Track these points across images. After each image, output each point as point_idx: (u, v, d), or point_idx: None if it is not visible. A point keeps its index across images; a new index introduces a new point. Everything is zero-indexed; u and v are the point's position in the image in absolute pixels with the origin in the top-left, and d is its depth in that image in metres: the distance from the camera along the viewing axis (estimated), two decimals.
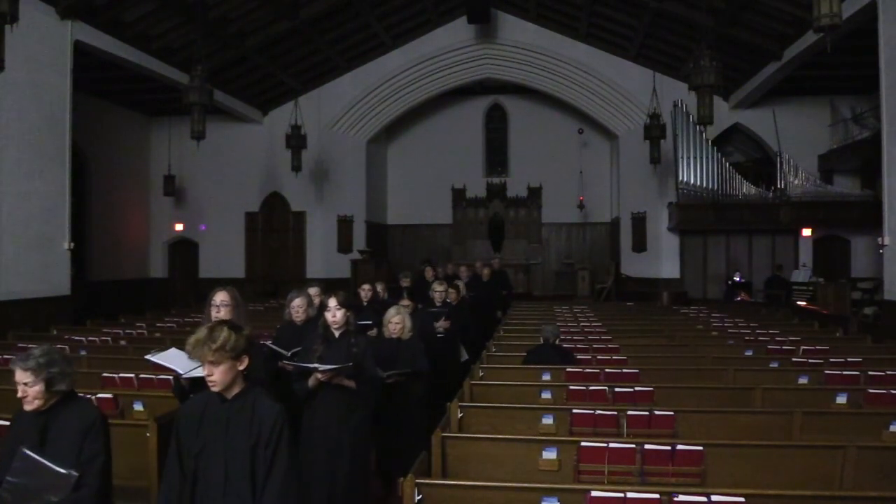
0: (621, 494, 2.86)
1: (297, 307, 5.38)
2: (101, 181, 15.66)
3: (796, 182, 15.31)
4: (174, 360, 3.50)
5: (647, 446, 3.53)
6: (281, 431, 2.62)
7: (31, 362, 2.82)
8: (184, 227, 17.73)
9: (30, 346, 7.08)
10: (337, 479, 3.99)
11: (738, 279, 15.91)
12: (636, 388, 5.05)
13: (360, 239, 17.46)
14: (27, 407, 2.86)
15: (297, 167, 15.46)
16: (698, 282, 16.67)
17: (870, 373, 5.57)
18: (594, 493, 2.89)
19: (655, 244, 16.70)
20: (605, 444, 3.57)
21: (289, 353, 4.84)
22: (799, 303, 13.14)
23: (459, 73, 17.17)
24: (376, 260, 16.53)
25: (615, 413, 4.26)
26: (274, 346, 5.03)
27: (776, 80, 13.64)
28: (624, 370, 5.78)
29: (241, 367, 2.67)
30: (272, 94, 16.82)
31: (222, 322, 2.78)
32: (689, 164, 15.43)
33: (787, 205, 15.14)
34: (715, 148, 15.57)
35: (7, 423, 3.12)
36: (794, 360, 6.34)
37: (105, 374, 5.52)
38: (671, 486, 3.22)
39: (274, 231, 17.52)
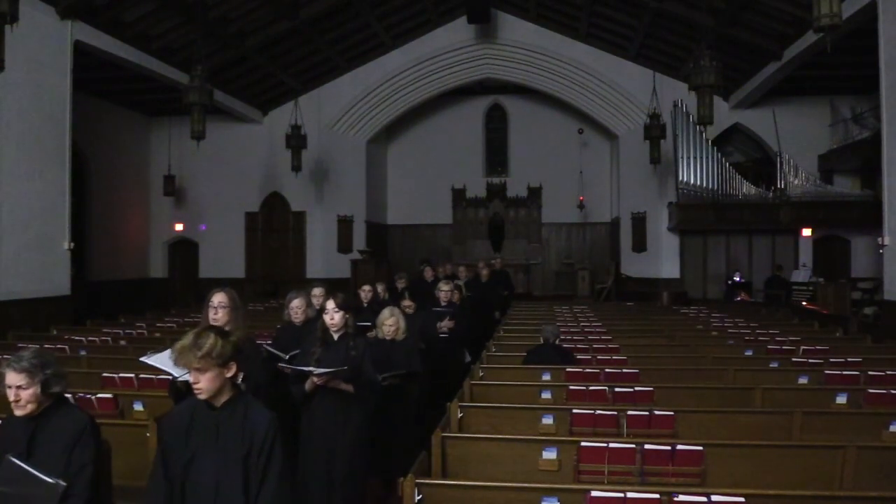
0: (621, 494, 2.86)
1: (296, 308, 5.36)
2: (101, 181, 15.66)
3: (796, 182, 15.31)
4: (169, 362, 3.48)
5: (647, 446, 3.53)
6: (274, 439, 2.56)
7: (25, 363, 2.70)
8: (184, 227, 17.73)
9: (30, 346, 7.10)
10: (335, 481, 3.97)
11: (738, 279, 15.91)
12: (636, 388, 5.05)
13: (360, 239, 17.46)
14: (19, 412, 2.73)
15: (297, 167, 15.46)
16: (698, 282, 16.67)
17: (870, 373, 5.57)
18: (594, 493, 2.88)
19: (655, 244, 16.70)
20: (605, 444, 3.57)
21: (287, 356, 4.82)
22: (803, 303, 13.13)
23: (459, 73, 17.18)
24: (376, 260, 16.53)
25: (615, 413, 4.25)
26: (271, 349, 5.01)
27: (776, 80, 13.64)
28: (624, 370, 5.78)
29: (229, 375, 2.58)
30: (272, 94, 16.82)
31: (209, 328, 2.69)
32: (689, 164, 15.44)
33: (787, 205, 15.14)
34: (715, 148, 15.58)
35: None
36: (794, 360, 6.33)
37: (105, 374, 5.51)
38: (671, 486, 3.22)
39: (274, 231, 17.52)
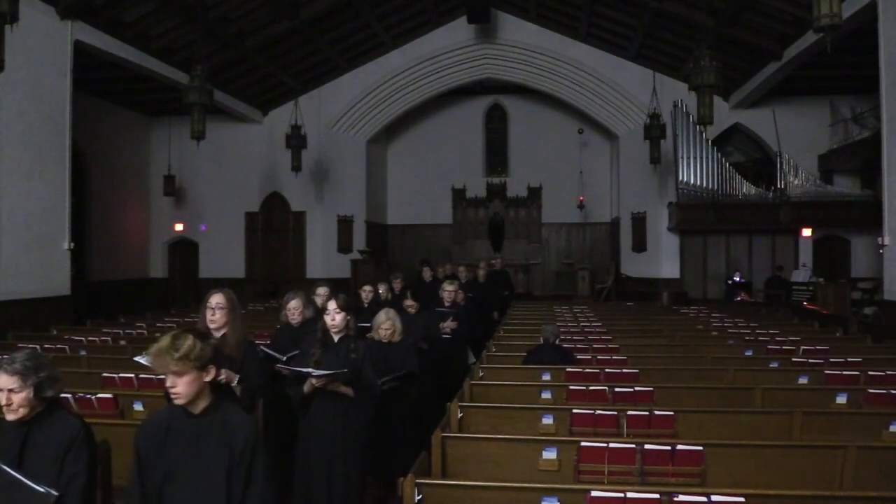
0: (621, 494, 2.86)
1: (293, 309, 5.31)
2: (101, 181, 15.66)
3: (796, 182, 15.31)
4: None
5: (647, 446, 3.53)
6: (256, 446, 2.45)
7: (18, 366, 2.59)
8: (184, 227, 17.73)
9: (30, 346, 7.09)
10: (334, 485, 3.94)
11: (738, 279, 15.91)
12: (636, 388, 5.04)
13: (360, 239, 17.47)
14: (10, 416, 2.61)
15: (297, 167, 15.47)
16: (698, 282, 16.67)
17: (870, 373, 5.56)
18: (594, 493, 2.88)
19: (655, 244, 16.70)
20: (605, 444, 3.57)
21: (284, 357, 4.78)
22: (803, 303, 13.13)
23: (459, 73, 17.18)
24: (376, 260, 16.54)
25: (615, 413, 4.25)
26: (268, 350, 4.98)
27: (776, 80, 13.64)
28: (624, 370, 5.77)
29: (208, 379, 2.46)
30: (272, 94, 16.82)
31: (188, 329, 2.56)
32: (689, 164, 15.44)
33: (787, 205, 15.14)
34: (715, 148, 15.58)
35: None
36: (794, 360, 6.33)
37: (105, 374, 5.51)
38: (671, 486, 3.21)
39: (274, 231, 17.52)
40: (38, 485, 2.47)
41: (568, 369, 5.67)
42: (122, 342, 7.84)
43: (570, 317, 10.45)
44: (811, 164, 15.84)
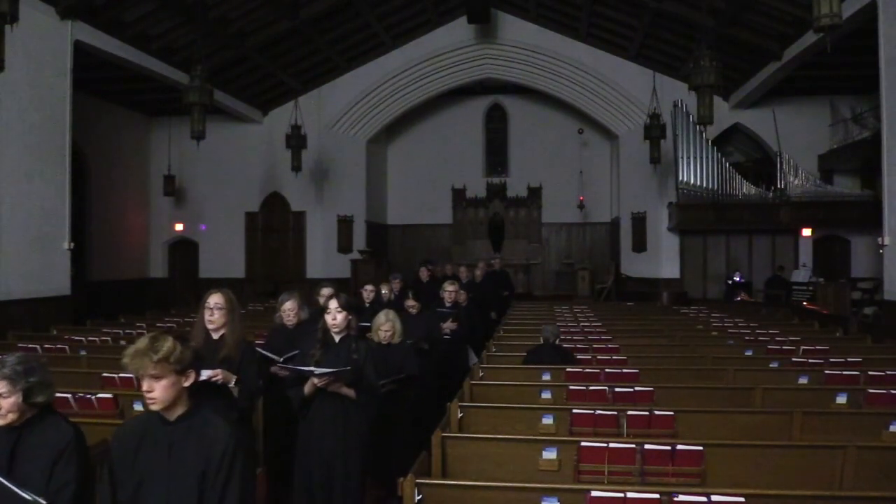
0: (621, 494, 2.86)
1: (288, 310, 5.25)
2: (101, 181, 15.66)
3: (796, 182, 15.30)
4: None
5: (647, 446, 3.53)
6: (234, 456, 2.33)
7: (7, 370, 2.51)
8: (184, 227, 17.73)
9: (30, 346, 7.10)
10: (334, 488, 3.91)
11: (738, 279, 15.90)
12: (636, 388, 5.05)
13: (360, 239, 17.46)
14: None
15: (297, 167, 15.47)
16: (698, 282, 16.66)
17: (870, 373, 5.57)
18: (594, 493, 2.88)
19: (655, 244, 16.70)
20: (605, 444, 3.57)
21: (281, 358, 4.75)
22: (803, 303, 13.13)
23: (459, 73, 17.17)
24: (376, 260, 16.54)
25: (615, 413, 4.25)
26: (264, 351, 4.93)
27: (776, 80, 13.63)
28: (624, 370, 5.78)
29: (187, 384, 2.37)
30: (272, 94, 16.82)
31: (167, 332, 2.49)
32: (689, 164, 15.43)
33: (787, 205, 15.14)
34: (715, 148, 15.57)
35: None
36: (794, 360, 6.33)
37: (105, 374, 5.51)
38: (671, 486, 3.21)
39: (274, 231, 17.52)
40: (26, 492, 2.39)
41: (568, 369, 5.67)
42: (122, 342, 7.83)
43: (570, 317, 10.46)
44: (811, 164, 15.84)
